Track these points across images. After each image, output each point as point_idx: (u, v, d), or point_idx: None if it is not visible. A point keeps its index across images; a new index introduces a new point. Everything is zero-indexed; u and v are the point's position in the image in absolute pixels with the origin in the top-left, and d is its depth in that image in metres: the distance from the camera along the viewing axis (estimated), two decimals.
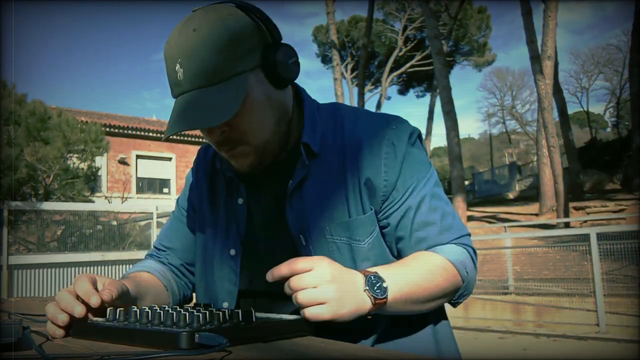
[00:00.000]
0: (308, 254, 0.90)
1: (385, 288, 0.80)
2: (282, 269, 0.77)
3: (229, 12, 0.85)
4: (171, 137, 0.86)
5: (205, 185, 1.05)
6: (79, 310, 0.74)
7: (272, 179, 0.95)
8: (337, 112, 0.97)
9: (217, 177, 1.03)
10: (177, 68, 0.83)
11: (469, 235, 0.97)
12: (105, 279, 0.83)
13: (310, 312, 0.75)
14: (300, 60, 0.91)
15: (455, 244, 0.93)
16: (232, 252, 0.97)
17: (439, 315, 1.00)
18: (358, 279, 0.79)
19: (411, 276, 0.84)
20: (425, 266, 0.88)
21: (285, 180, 0.92)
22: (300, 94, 0.98)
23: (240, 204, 0.97)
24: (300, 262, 0.77)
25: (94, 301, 0.75)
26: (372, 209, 0.91)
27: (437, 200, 0.93)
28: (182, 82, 0.83)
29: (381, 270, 0.82)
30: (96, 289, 0.79)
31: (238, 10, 0.86)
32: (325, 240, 0.90)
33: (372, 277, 0.80)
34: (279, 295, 0.80)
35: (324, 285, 0.75)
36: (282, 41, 0.88)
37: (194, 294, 1.13)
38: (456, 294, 0.92)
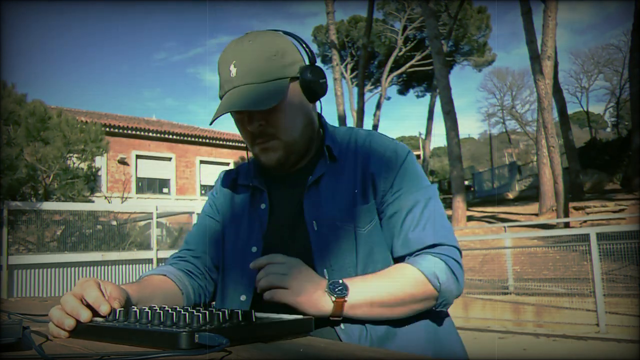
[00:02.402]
0: (318, 238, 1.01)
1: (345, 287, 0.90)
2: (262, 260, 0.92)
3: (277, 34, 1.05)
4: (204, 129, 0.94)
5: (229, 198, 1.20)
6: (86, 316, 0.76)
7: (292, 183, 1.09)
8: (352, 131, 1.14)
9: (239, 191, 1.19)
10: (230, 68, 1.00)
11: (456, 248, 1.02)
12: (108, 284, 0.84)
13: (268, 294, 0.88)
14: None
15: (433, 254, 0.99)
16: (254, 249, 1.07)
17: (438, 314, 1.03)
18: (322, 282, 0.92)
19: (374, 281, 0.95)
20: (390, 274, 0.97)
21: (304, 182, 1.07)
22: (320, 117, 1.14)
23: (263, 208, 1.11)
24: (277, 256, 0.92)
25: (104, 310, 0.77)
26: (373, 200, 1.03)
27: (428, 209, 1.03)
28: (234, 79, 1.00)
29: (345, 280, 0.93)
30: (103, 295, 0.80)
31: (285, 35, 1.06)
32: (334, 225, 1.02)
33: (334, 282, 0.91)
34: None
35: (288, 275, 0.89)
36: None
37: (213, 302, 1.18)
38: (436, 303, 0.97)
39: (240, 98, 0.98)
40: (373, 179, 1.04)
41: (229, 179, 1.22)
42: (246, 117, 1.03)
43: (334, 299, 0.89)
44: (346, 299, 0.89)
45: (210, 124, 1.03)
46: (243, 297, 1.05)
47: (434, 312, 1.02)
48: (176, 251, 1.22)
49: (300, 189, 1.07)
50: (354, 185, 1.04)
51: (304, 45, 1.07)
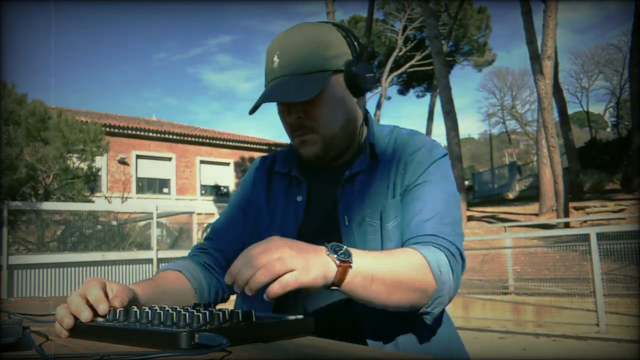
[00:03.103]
0: (349, 233, 1.01)
1: (349, 253, 0.80)
2: (237, 262, 0.77)
3: (326, 26, 1.04)
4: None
5: (264, 187, 1.16)
6: (86, 316, 0.76)
7: (331, 178, 1.07)
8: (395, 129, 1.12)
9: (275, 180, 1.16)
10: (274, 58, 1.00)
11: (459, 250, 0.96)
12: (114, 284, 0.83)
13: (277, 284, 0.74)
14: None
15: (434, 244, 0.93)
16: None
17: (449, 326, 1.05)
18: (319, 248, 0.80)
19: (378, 256, 0.87)
20: (396, 253, 0.90)
21: (342, 177, 1.05)
22: (367, 114, 1.13)
23: (300, 201, 1.08)
24: (252, 247, 0.78)
25: (102, 309, 0.77)
26: (400, 196, 1.01)
27: (446, 206, 0.99)
28: (276, 69, 0.99)
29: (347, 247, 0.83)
30: (106, 295, 0.80)
31: (334, 27, 1.04)
32: (364, 222, 1.01)
33: (333, 244, 0.81)
34: None
35: (285, 255, 0.75)
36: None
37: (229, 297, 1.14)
38: (431, 299, 0.89)
39: (279, 89, 0.97)
40: (404, 170, 1.03)
41: (265, 166, 1.19)
42: (286, 108, 1.02)
43: (338, 262, 0.79)
44: (351, 264, 0.80)
45: (250, 113, 1.01)
46: None
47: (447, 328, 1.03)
48: (202, 241, 1.20)
49: (337, 185, 1.06)
50: (387, 182, 1.03)
51: (354, 39, 1.04)
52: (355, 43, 1.03)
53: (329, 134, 1.02)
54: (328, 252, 0.80)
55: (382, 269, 0.84)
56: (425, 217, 0.97)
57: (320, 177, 1.09)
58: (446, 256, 0.92)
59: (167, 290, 0.98)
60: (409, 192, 1.01)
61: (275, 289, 0.74)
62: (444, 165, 1.04)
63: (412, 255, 0.89)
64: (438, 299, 0.90)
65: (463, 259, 0.97)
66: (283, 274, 0.74)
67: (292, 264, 0.75)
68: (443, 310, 1.01)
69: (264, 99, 0.97)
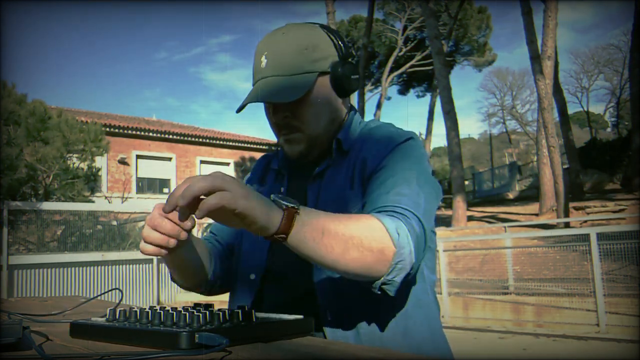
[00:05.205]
0: None
1: (296, 202, 0.79)
2: (175, 192, 0.73)
3: (313, 27, 1.07)
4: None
5: (258, 182, 1.23)
6: (189, 225, 0.88)
7: (308, 173, 1.10)
8: (368, 122, 1.14)
9: (268, 175, 1.22)
10: (262, 59, 1.03)
11: (417, 217, 0.91)
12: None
13: (212, 197, 0.70)
14: None
15: (393, 214, 0.89)
16: None
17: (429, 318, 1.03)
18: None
19: (333, 213, 0.84)
20: (347, 215, 0.87)
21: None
22: (351, 112, 1.15)
23: (282, 192, 1.13)
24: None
25: (188, 225, 0.88)
26: (360, 187, 1.02)
27: (403, 180, 0.95)
28: (264, 69, 1.03)
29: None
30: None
31: (321, 29, 1.07)
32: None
33: (281, 196, 0.79)
34: (299, 272, 0.96)
35: (220, 177, 0.73)
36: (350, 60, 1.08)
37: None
38: (390, 264, 0.83)
39: (265, 89, 1.00)
40: (364, 162, 1.02)
41: (264, 163, 1.26)
42: (272, 107, 1.05)
43: (284, 206, 0.77)
44: (298, 210, 0.78)
45: (237, 112, 1.05)
46: (252, 276, 1.08)
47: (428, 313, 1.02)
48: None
49: (310, 179, 1.09)
50: (351, 174, 1.04)
51: (340, 40, 1.07)
52: (342, 45, 1.07)
53: (313, 133, 1.06)
54: (274, 198, 0.78)
55: (335, 223, 0.81)
56: (383, 191, 0.94)
57: (299, 172, 1.13)
58: (403, 222, 0.87)
59: (198, 243, 1.07)
60: (370, 179, 0.99)
61: (209, 201, 0.70)
62: (405, 149, 1.02)
63: (368, 218, 0.86)
64: (399, 264, 0.84)
65: (425, 228, 0.92)
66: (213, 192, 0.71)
67: (224, 184, 0.72)
68: (409, 292, 1.00)
69: (252, 99, 1.00)
